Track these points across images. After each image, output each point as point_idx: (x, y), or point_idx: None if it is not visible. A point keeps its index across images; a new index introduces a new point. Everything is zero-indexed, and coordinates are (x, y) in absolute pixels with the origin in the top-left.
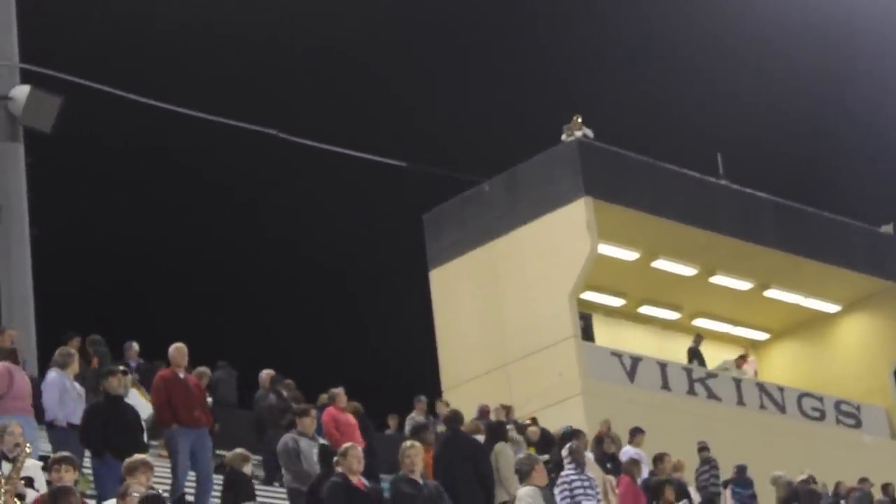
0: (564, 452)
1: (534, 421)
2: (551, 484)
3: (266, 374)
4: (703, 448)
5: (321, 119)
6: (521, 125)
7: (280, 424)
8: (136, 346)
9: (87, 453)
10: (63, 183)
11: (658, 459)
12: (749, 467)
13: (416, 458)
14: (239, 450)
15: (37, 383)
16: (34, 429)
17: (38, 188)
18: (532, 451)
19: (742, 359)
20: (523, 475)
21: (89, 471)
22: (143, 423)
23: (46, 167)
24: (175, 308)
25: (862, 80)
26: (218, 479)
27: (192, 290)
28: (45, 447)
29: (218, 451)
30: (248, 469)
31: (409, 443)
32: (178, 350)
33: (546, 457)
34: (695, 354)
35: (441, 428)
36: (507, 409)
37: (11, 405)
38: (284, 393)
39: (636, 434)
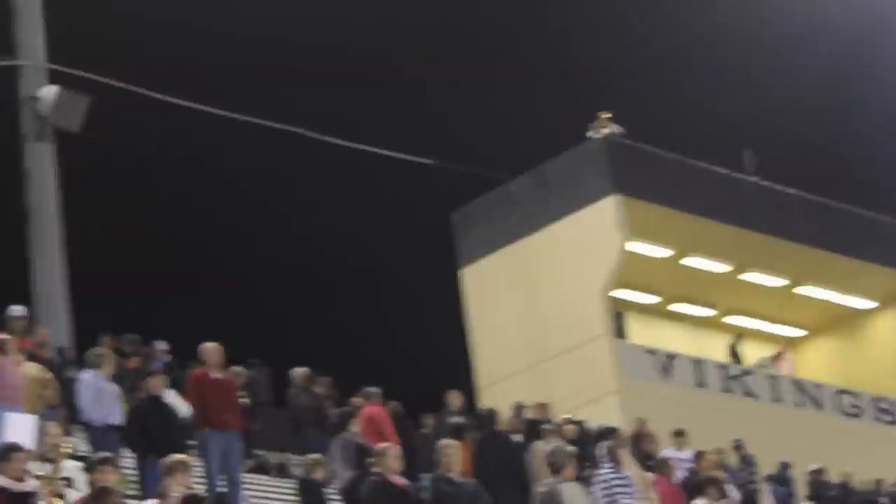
0: (601, 451)
1: (568, 420)
2: (587, 482)
3: (299, 371)
4: (738, 446)
5: (349, 118)
6: (550, 123)
7: (316, 423)
8: (162, 345)
9: (128, 453)
10: (92, 182)
11: (698, 457)
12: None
13: (455, 456)
14: (315, 455)
15: (71, 383)
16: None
17: (67, 188)
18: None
19: (778, 356)
20: (557, 468)
21: (129, 471)
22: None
23: (76, 167)
24: (207, 307)
25: (893, 75)
26: (252, 478)
27: (223, 289)
28: (83, 448)
29: (256, 451)
30: (320, 474)
31: (446, 441)
32: (210, 349)
33: (573, 448)
34: (733, 352)
35: (457, 419)
36: (544, 407)
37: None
38: (319, 391)
39: (678, 436)
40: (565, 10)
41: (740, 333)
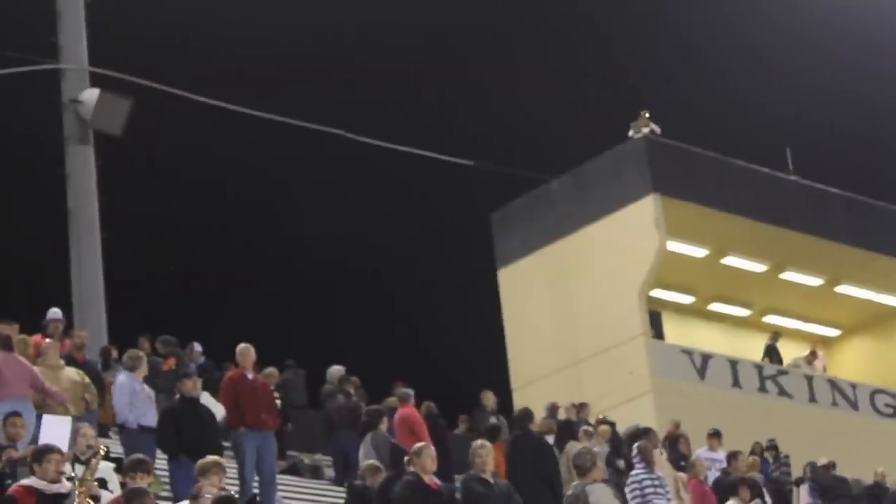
0: (633, 451)
1: (601, 420)
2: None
3: (335, 370)
4: (771, 446)
5: (388, 119)
6: (589, 123)
7: (350, 423)
8: (197, 347)
9: (161, 454)
10: (132, 185)
11: (732, 458)
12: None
13: (487, 457)
14: (371, 461)
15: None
16: (31, 413)
17: (107, 191)
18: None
19: (812, 354)
20: (585, 470)
21: (162, 472)
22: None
23: (116, 170)
24: (244, 308)
25: None
26: (285, 480)
27: (261, 290)
28: (117, 449)
29: (290, 452)
30: (372, 481)
31: (479, 442)
32: (244, 351)
33: (598, 449)
34: (771, 351)
35: (492, 420)
36: (579, 408)
37: (5, 392)
38: (352, 391)
39: (711, 437)
40: (605, 9)
41: (777, 332)
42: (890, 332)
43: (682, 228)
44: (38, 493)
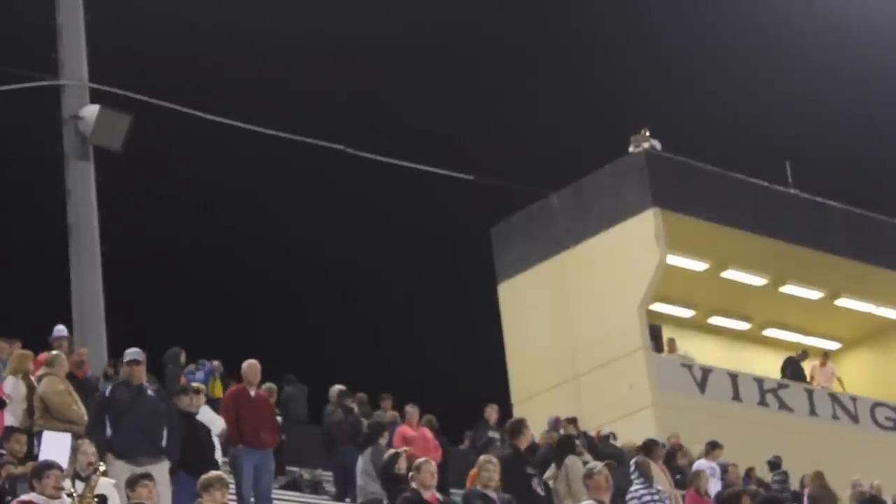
0: (631, 467)
1: (599, 435)
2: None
3: (335, 389)
4: (774, 464)
5: (387, 133)
6: (589, 137)
7: (349, 439)
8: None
9: None
10: (133, 201)
11: (724, 470)
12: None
13: (494, 472)
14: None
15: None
16: None
17: (107, 206)
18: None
19: (824, 357)
20: (602, 490)
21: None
22: (216, 440)
23: (116, 186)
24: (246, 325)
25: None
26: (286, 495)
27: (261, 306)
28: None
29: (289, 468)
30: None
31: (485, 457)
32: (250, 367)
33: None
34: (791, 365)
35: (494, 434)
36: (573, 422)
37: None
38: (355, 408)
39: (712, 448)
40: (605, 25)
41: (806, 351)
42: (890, 345)
43: (682, 242)
44: None
